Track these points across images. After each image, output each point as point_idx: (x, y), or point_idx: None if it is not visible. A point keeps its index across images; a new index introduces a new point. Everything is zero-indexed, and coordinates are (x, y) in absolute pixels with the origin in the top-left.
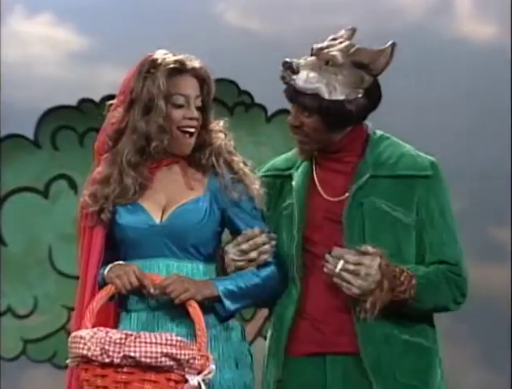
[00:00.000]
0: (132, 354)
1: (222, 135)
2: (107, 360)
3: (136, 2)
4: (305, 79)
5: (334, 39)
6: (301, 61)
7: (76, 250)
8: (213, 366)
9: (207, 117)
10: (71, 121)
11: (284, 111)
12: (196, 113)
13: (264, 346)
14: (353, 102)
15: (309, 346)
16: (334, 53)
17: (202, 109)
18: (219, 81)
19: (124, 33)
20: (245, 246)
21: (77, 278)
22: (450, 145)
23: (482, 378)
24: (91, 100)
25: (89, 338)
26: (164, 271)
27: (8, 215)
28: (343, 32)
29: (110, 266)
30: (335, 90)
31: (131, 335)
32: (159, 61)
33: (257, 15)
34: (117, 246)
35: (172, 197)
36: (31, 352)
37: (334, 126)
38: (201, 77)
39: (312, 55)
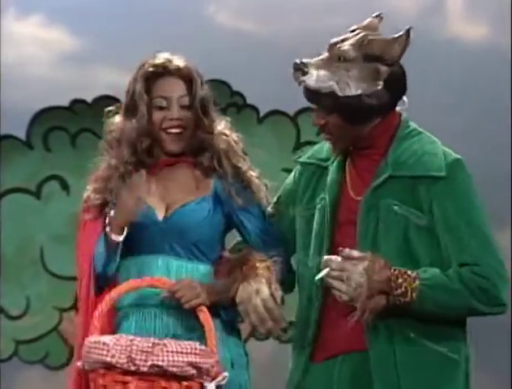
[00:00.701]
0: (160, 363)
1: (226, 137)
2: (132, 368)
3: (128, 2)
4: (315, 78)
5: (353, 30)
6: (311, 60)
7: (68, 250)
8: (226, 373)
9: (200, 116)
10: (63, 122)
11: (276, 112)
12: (178, 114)
13: (257, 347)
14: (372, 95)
15: (327, 352)
16: (346, 48)
17: (193, 109)
18: (211, 82)
19: (116, 34)
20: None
21: (69, 279)
22: (445, 145)
23: (475, 380)
24: (83, 101)
25: (113, 345)
26: (164, 269)
27: (0, 216)
28: (367, 20)
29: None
30: (348, 86)
31: (158, 343)
32: (142, 65)
33: (249, 16)
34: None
35: (175, 195)
36: (23, 353)
37: (357, 122)
38: (186, 76)
39: (327, 50)
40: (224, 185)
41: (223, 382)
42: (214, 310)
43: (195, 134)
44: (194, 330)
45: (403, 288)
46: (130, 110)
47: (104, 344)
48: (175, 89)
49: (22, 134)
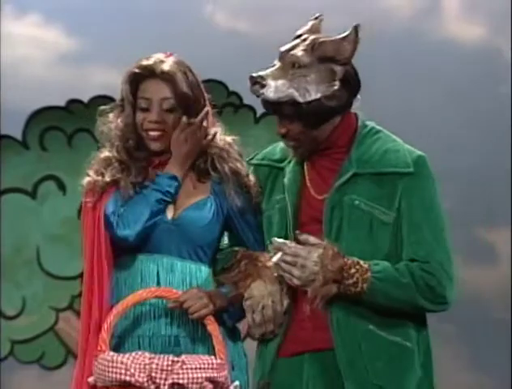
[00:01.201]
0: (180, 381)
1: (222, 141)
2: (152, 387)
3: (125, 3)
4: (274, 89)
5: (299, 36)
6: (267, 71)
7: (64, 250)
8: (237, 382)
9: (204, 118)
10: (60, 122)
11: None
12: (157, 116)
13: (254, 346)
14: (332, 96)
15: (295, 346)
16: (299, 54)
17: (178, 112)
18: (207, 82)
19: (113, 34)
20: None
21: (65, 279)
22: (441, 146)
23: (475, 380)
24: (79, 101)
25: (130, 363)
26: (168, 269)
27: None
28: (309, 24)
29: None
30: (308, 91)
31: (178, 361)
32: (132, 67)
33: (245, 17)
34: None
35: (181, 196)
36: (19, 353)
37: (320, 124)
38: (172, 80)
39: (278, 60)
40: (224, 188)
41: None
42: (217, 315)
43: None
44: (200, 338)
45: (354, 279)
46: (119, 109)
47: (121, 362)
48: (157, 91)
49: (18, 134)
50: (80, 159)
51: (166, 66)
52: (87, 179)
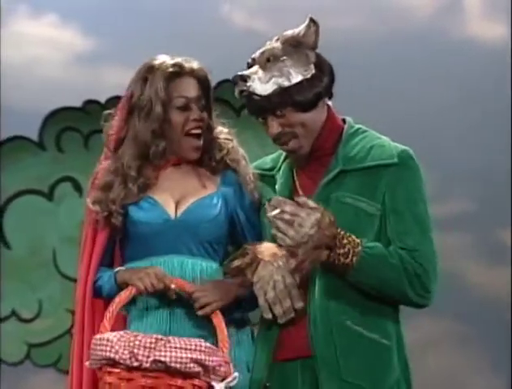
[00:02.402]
0: (162, 359)
1: (230, 140)
2: (135, 363)
3: (141, 3)
4: (258, 81)
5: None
6: (246, 71)
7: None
8: (236, 374)
9: (211, 117)
10: (76, 123)
11: None
12: (200, 114)
13: None
14: (312, 80)
15: (288, 352)
16: (269, 48)
17: (207, 110)
18: (225, 82)
19: (129, 34)
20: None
21: None
22: (460, 145)
23: (492, 382)
24: (96, 102)
25: (116, 340)
26: (179, 270)
27: (12, 218)
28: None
29: (124, 268)
30: (291, 74)
31: (161, 339)
32: (156, 66)
33: (263, 16)
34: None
35: (184, 192)
36: (35, 356)
37: (310, 107)
38: (200, 77)
39: (251, 66)
40: (237, 179)
41: (233, 383)
42: (228, 312)
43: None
44: (206, 329)
45: (346, 249)
46: (142, 111)
47: (108, 340)
48: (193, 89)
49: (34, 135)
50: (97, 160)
51: (195, 65)
52: (88, 204)
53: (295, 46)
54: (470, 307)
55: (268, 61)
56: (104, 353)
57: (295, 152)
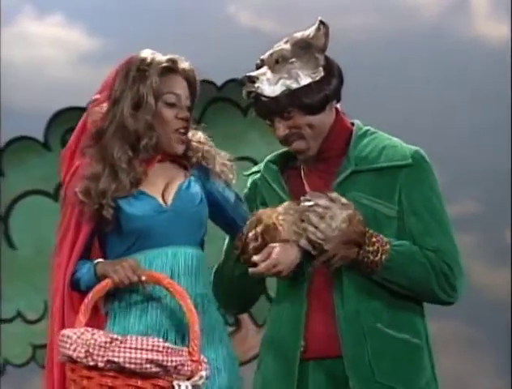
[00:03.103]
0: (116, 360)
1: (205, 145)
2: (91, 363)
3: (147, 2)
4: (267, 82)
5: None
6: (254, 72)
7: None
8: (203, 373)
9: (191, 119)
10: None
11: None
12: (187, 114)
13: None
14: (320, 82)
15: (311, 352)
16: (277, 50)
17: (190, 111)
18: (232, 82)
19: (134, 34)
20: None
21: None
22: (469, 144)
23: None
24: None
25: (75, 338)
26: (172, 260)
27: (17, 219)
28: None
29: (103, 261)
30: (299, 76)
31: (117, 339)
32: (148, 59)
33: (269, 16)
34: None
35: (167, 182)
36: (40, 357)
37: (317, 110)
38: (190, 79)
39: (260, 67)
40: (205, 169)
41: (200, 382)
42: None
43: None
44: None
45: (375, 247)
46: (132, 102)
47: (68, 336)
48: (183, 88)
49: (40, 136)
50: None
51: (186, 65)
52: (70, 192)
53: (304, 48)
54: (476, 309)
55: (277, 62)
56: (64, 350)
57: (302, 153)
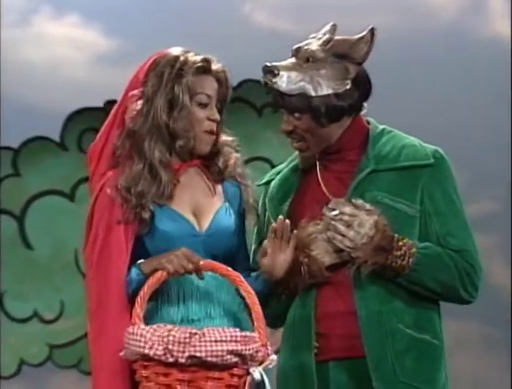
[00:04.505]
0: (198, 354)
1: (233, 150)
2: (171, 360)
3: (163, 2)
4: (287, 80)
5: (313, 37)
6: (281, 63)
7: None
8: (274, 356)
9: (222, 122)
10: (98, 123)
11: None
12: (218, 115)
13: None
14: (343, 95)
15: (320, 354)
16: (314, 48)
17: (220, 113)
18: (247, 82)
19: (151, 34)
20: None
21: None
22: (488, 144)
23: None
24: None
25: (150, 336)
26: (195, 282)
27: (34, 219)
28: (325, 28)
29: (143, 260)
30: (320, 85)
31: (196, 333)
32: (183, 58)
33: (285, 15)
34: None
35: (198, 202)
36: (57, 357)
37: (328, 123)
38: (222, 80)
39: (292, 56)
40: (241, 191)
41: (271, 366)
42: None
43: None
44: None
45: (402, 251)
46: (166, 104)
47: (141, 335)
48: (215, 90)
49: (56, 136)
50: None
51: (219, 66)
52: (110, 190)
53: (338, 57)
54: (495, 308)
55: (307, 61)
56: (138, 349)
57: (301, 152)
